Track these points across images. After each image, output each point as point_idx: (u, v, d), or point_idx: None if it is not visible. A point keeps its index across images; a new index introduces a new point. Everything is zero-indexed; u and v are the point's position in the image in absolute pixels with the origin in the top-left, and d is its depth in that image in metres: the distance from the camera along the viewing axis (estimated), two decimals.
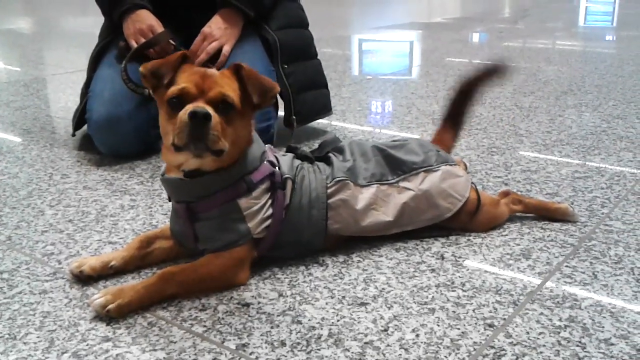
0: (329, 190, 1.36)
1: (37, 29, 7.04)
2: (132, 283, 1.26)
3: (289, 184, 1.33)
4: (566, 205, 1.57)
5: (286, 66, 2.14)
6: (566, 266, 1.34)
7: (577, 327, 1.12)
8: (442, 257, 1.39)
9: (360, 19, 7.29)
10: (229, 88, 1.22)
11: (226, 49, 2.07)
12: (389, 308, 1.19)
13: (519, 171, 1.93)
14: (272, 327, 1.13)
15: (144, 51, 2.04)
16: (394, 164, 1.44)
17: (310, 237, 1.36)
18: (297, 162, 1.39)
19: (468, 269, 1.33)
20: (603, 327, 1.12)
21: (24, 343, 1.10)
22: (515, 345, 1.07)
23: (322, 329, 1.13)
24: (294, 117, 2.15)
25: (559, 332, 1.11)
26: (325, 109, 2.35)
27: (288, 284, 1.28)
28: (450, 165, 1.47)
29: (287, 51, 2.16)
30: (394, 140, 1.55)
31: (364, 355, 1.05)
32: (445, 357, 1.05)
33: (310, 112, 2.26)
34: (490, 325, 1.13)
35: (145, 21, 2.05)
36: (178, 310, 1.19)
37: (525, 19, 7.22)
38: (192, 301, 1.22)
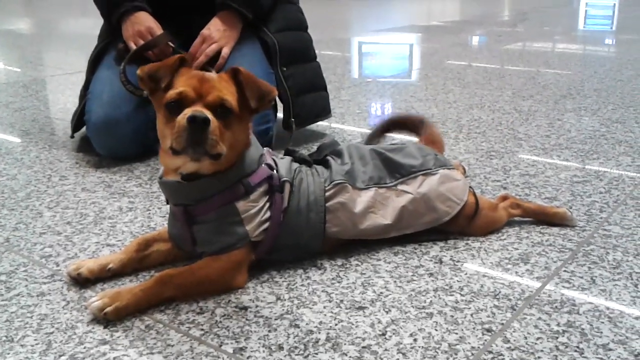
0: (327, 194, 1.36)
1: (37, 30, 7.04)
2: (129, 286, 1.26)
3: (287, 187, 1.33)
4: (564, 209, 1.57)
5: (285, 69, 2.14)
6: (564, 271, 1.34)
7: (575, 333, 1.12)
8: (441, 261, 1.38)
9: (360, 21, 7.30)
10: (227, 92, 1.22)
11: (225, 51, 2.07)
12: (387, 312, 1.19)
13: (518, 175, 1.93)
14: (269, 331, 1.13)
15: (143, 53, 2.04)
16: (392, 167, 1.44)
17: (308, 240, 1.36)
18: (295, 165, 1.39)
19: (466, 273, 1.33)
20: (601, 332, 1.12)
21: (21, 345, 1.09)
22: (513, 350, 1.07)
23: (319, 332, 1.12)
24: (293, 119, 2.15)
25: (557, 337, 1.10)
26: (324, 112, 2.35)
27: (286, 288, 1.28)
28: (448, 169, 1.47)
29: (286, 54, 2.16)
30: (391, 144, 1.55)
31: None
32: None
33: (309, 114, 2.26)
34: (488, 330, 1.13)
35: (144, 23, 2.05)
36: (175, 313, 1.19)
37: (524, 22, 7.23)
38: (189, 304, 1.22)
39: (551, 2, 9.30)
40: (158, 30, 2.05)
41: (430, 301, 1.22)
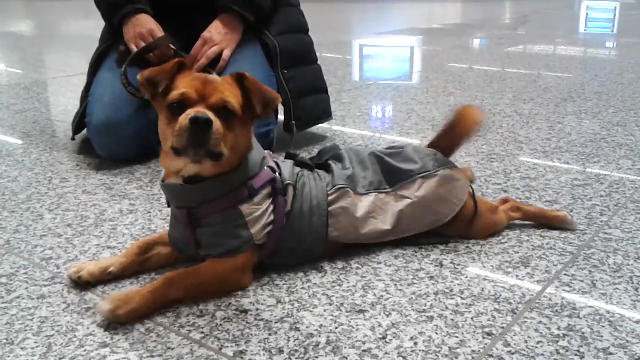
0: (329, 198, 1.36)
1: (38, 32, 7.05)
2: (136, 288, 1.26)
3: (290, 190, 1.33)
4: (564, 213, 1.57)
5: (286, 71, 2.15)
6: (565, 274, 1.34)
7: (575, 336, 1.12)
8: (441, 265, 1.38)
9: (361, 24, 7.31)
10: (231, 94, 1.22)
11: (226, 53, 2.07)
12: (387, 315, 1.18)
13: (518, 178, 1.93)
14: (269, 334, 1.13)
15: (144, 55, 2.04)
16: (390, 173, 1.44)
17: (311, 244, 1.36)
18: (297, 168, 1.39)
19: (467, 277, 1.33)
20: (602, 336, 1.12)
21: (22, 348, 1.09)
22: (513, 354, 1.07)
23: (320, 336, 1.12)
24: (294, 122, 2.15)
25: (558, 341, 1.10)
26: (325, 114, 2.35)
27: (286, 291, 1.28)
28: (449, 168, 1.47)
29: (287, 56, 2.16)
30: (390, 147, 1.54)
31: None
32: None
33: (310, 117, 2.26)
34: (489, 334, 1.13)
35: (145, 25, 2.05)
36: (176, 316, 1.19)
37: (525, 25, 7.23)
38: (190, 307, 1.22)
39: (552, 5, 9.31)
40: (159, 32, 2.05)
41: (431, 304, 1.22)
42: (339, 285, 1.30)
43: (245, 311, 1.20)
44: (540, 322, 1.16)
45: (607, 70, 3.87)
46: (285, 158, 1.45)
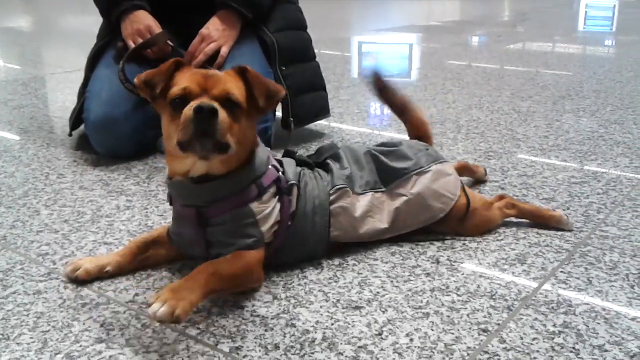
0: (330, 198, 1.36)
1: (37, 27, 7.04)
2: (177, 282, 1.13)
3: (295, 190, 1.32)
4: (560, 213, 1.56)
5: (284, 68, 2.14)
6: (561, 271, 1.34)
7: (571, 333, 1.12)
8: (437, 261, 1.39)
9: (360, 21, 7.30)
10: (234, 86, 1.20)
11: (224, 50, 2.07)
12: (384, 312, 1.19)
13: (516, 175, 1.93)
14: (265, 330, 1.13)
15: (142, 51, 2.04)
16: (385, 172, 1.44)
17: (314, 245, 1.36)
18: (298, 168, 1.38)
19: (463, 274, 1.33)
20: (597, 333, 1.12)
21: (17, 343, 1.09)
22: (509, 350, 1.07)
23: (316, 332, 1.12)
24: (292, 119, 2.15)
25: (553, 338, 1.10)
26: (323, 111, 2.35)
27: (283, 287, 1.28)
28: (440, 163, 1.47)
29: (285, 53, 2.16)
30: (384, 144, 1.53)
31: (358, 359, 1.05)
32: None
33: (308, 114, 2.26)
34: (485, 330, 1.13)
35: (143, 22, 2.05)
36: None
37: (524, 22, 7.23)
38: None
39: (551, 3, 9.31)
40: (157, 28, 2.05)
41: (427, 301, 1.22)
42: (336, 281, 1.30)
43: (242, 307, 1.20)
44: (536, 319, 1.16)
45: (605, 68, 3.87)
46: (284, 156, 1.44)
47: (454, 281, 1.30)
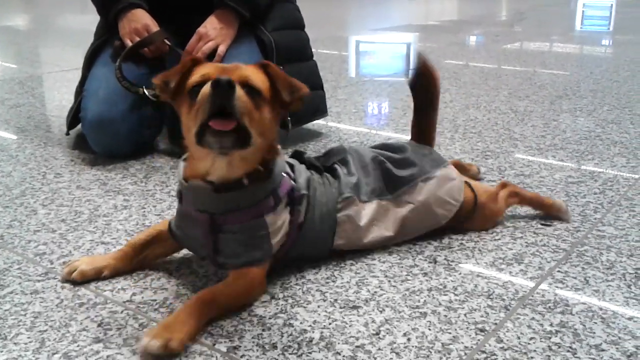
0: (337, 206, 1.34)
1: (34, 26, 7.02)
2: (172, 316, 1.11)
3: (305, 200, 1.30)
4: (561, 201, 1.59)
5: (281, 67, 2.13)
6: (558, 271, 1.35)
7: (568, 333, 1.12)
8: (435, 261, 1.39)
9: (358, 20, 7.30)
10: (254, 75, 1.17)
11: (221, 49, 2.07)
12: (381, 312, 1.19)
13: (513, 175, 1.93)
14: (263, 330, 1.13)
15: (139, 50, 2.04)
16: (391, 179, 1.41)
17: (316, 252, 1.35)
18: (308, 172, 1.35)
19: (460, 273, 1.33)
20: (594, 332, 1.12)
21: (15, 343, 1.09)
22: (506, 350, 1.07)
23: (313, 332, 1.12)
24: (289, 118, 2.15)
25: (550, 338, 1.11)
26: (320, 111, 2.35)
27: (280, 287, 1.28)
28: (444, 167, 1.47)
29: (283, 52, 2.15)
30: (389, 146, 1.51)
31: (355, 359, 1.05)
32: None
33: (306, 113, 2.26)
34: (482, 330, 1.13)
35: (140, 20, 2.05)
36: (169, 312, 1.19)
37: (521, 22, 7.24)
38: (182, 302, 1.21)
39: (549, 2, 9.32)
40: (154, 27, 2.04)
41: (424, 301, 1.23)
42: (333, 281, 1.30)
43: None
44: (533, 318, 1.17)
45: (602, 68, 3.87)
46: (292, 156, 1.40)
47: (452, 281, 1.30)
